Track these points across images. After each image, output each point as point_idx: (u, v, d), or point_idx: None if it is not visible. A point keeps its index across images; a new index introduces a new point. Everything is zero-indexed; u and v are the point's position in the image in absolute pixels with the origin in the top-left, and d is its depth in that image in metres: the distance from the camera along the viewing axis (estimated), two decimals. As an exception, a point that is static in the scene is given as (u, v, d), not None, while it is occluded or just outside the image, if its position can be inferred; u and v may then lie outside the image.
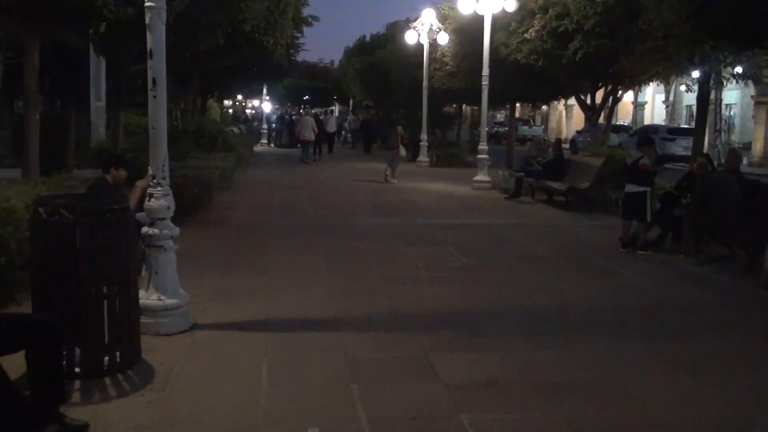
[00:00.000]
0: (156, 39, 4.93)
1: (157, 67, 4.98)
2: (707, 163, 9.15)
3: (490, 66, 19.79)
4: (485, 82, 15.62)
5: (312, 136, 23.45)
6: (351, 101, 46.23)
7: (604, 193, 12.18)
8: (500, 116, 62.26)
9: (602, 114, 17.50)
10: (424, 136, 22.30)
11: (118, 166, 6.49)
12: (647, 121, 39.52)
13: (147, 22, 4.93)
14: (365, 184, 16.37)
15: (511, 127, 23.41)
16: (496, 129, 46.48)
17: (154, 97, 4.99)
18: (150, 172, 5.08)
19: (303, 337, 5.09)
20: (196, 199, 9.16)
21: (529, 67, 16.89)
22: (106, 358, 4.09)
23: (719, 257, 8.14)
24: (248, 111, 60.89)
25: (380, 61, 30.68)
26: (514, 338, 5.14)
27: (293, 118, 32.91)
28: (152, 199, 5.04)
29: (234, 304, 5.85)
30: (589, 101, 16.93)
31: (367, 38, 37.02)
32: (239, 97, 59.86)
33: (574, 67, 15.33)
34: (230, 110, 59.34)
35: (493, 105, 30.08)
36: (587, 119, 16.99)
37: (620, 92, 16.76)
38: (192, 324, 5.17)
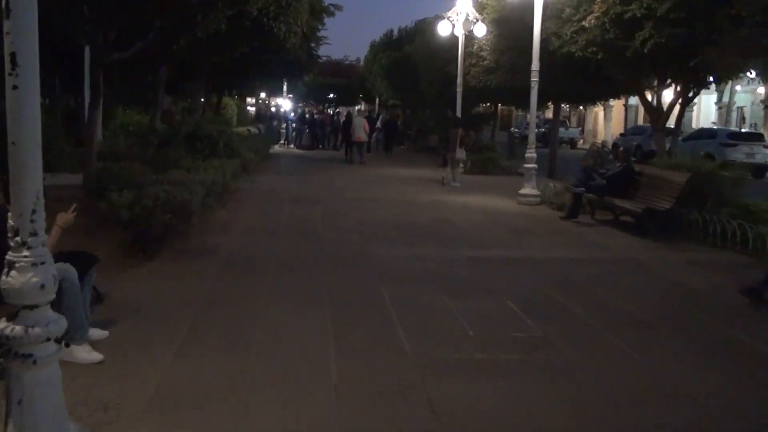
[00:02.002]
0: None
1: (20, 36, 2.73)
2: None
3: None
4: (535, 78, 13.24)
5: (365, 137, 23.74)
6: (377, 100, 44.00)
7: (687, 216, 9.80)
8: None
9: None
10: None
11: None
12: (694, 124, 36.72)
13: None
14: (390, 195, 14.09)
15: (554, 130, 20.90)
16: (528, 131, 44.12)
17: (15, 87, 2.74)
18: (10, 222, 2.84)
19: None
20: (167, 227, 6.95)
21: (583, 62, 14.56)
22: None
23: None
24: (273, 109, 58.90)
25: (408, 57, 28.43)
26: None
27: (315, 116, 30.72)
28: (12, 273, 2.81)
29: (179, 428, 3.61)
30: (655, 102, 14.46)
31: (395, 33, 34.71)
32: (262, 95, 58.09)
33: (640, 61, 12.93)
34: (251, 108, 57.55)
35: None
36: (652, 122, 14.50)
37: (693, 92, 14.23)
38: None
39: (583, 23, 13.01)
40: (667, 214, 9.66)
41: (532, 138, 13.54)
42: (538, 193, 13.10)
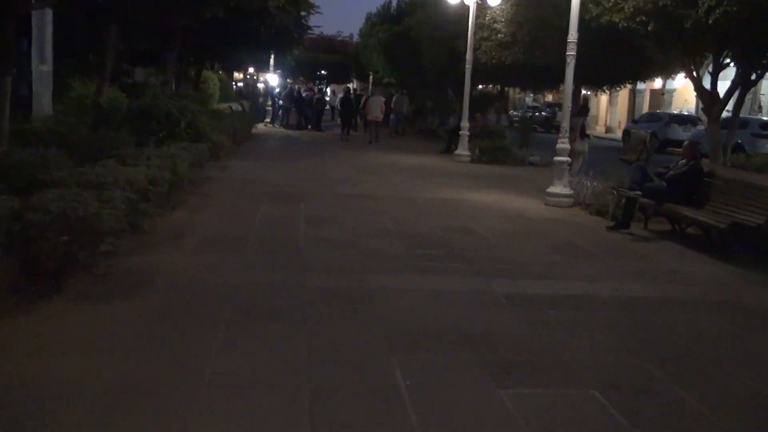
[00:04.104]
0: None
1: None
2: None
3: (558, 34, 15.10)
4: (572, 51, 10.81)
5: (380, 117, 23.23)
6: (370, 78, 41.34)
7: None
8: (529, 99, 57.26)
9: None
10: (465, 123, 17.50)
11: None
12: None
13: None
14: (391, 190, 11.70)
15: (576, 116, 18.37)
16: (530, 114, 41.63)
17: None
18: None
19: None
20: (63, 255, 4.55)
21: (619, 36, 12.23)
22: None
23: None
24: (260, 85, 55.98)
25: (409, 31, 25.81)
26: None
27: (303, 94, 28.12)
28: None
29: None
30: (708, 85, 12.06)
31: (393, 4, 32.02)
32: (251, 70, 55.11)
33: (701, 35, 10.56)
34: (237, 83, 54.82)
35: (545, 86, 25.31)
36: (705, 111, 12.11)
37: (757, 74, 11.84)
38: None
39: (634, -15, 10.59)
40: (761, 231, 7.34)
41: (565, 126, 11.11)
42: (571, 192, 10.75)
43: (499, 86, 25.12)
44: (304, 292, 5.51)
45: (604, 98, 46.32)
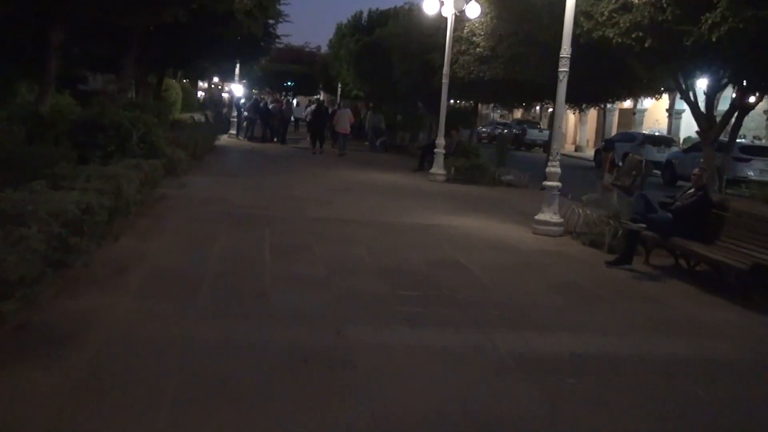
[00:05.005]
0: None
1: None
2: None
3: (541, 50, 14.47)
4: (564, 67, 9.97)
5: (348, 129, 23.45)
6: (339, 89, 40.37)
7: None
8: (495, 116, 56.76)
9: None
10: (441, 141, 16.61)
11: None
12: (683, 133, 34.23)
13: None
14: (367, 213, 10.70)
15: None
16: (499, 130, 41.09)
17: None
18: None
19: None
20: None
21: (609, 52, 11.53)
22: None
23: None
24: (225, 95, 54.54)
25: (380, 42, 24.96)
26: None
27: (269, 106, 26.99)
28: None
29: None
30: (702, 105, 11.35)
31: (365, 16, 31.14)
32: (215, 80, 53.63)
33: (701, 53, 9.84)
34: (201, 93, 53.47)
35: (524, 102, 24.62)
36: (701, 134, 11.40)
37: (757, 96, 11.17)
38: None
39: (633, -1, 9.84)
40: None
41: (556, 148, 10.25)
42: (561, 220, 9.89)
43: (472, 102, 24.32)
44: (268, 353, 4.46)
45: (572, 116, 46.14)
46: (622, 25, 10.16)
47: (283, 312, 5.38)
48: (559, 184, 9.97)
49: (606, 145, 14.31)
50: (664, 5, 9.49)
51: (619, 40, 10.31)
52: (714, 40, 9.03)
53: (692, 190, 8.06)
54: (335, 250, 7.81)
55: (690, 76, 11.22)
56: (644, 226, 7.80)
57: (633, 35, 10.04)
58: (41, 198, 4.86)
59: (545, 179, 10.18)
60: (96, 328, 4.65)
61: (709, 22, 8.96)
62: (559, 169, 9.97)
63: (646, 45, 9.98)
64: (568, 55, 9.91)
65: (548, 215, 9.87)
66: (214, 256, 7.05)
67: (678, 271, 8.03)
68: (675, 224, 7.83)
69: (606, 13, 10.42)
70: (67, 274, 5.41)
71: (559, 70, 9.99)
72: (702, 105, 11.31)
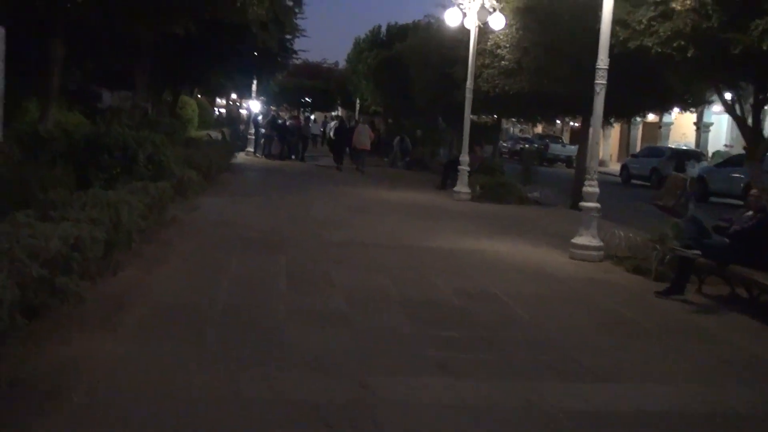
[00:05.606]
0: None
1: None
2: None
3: (571, 61, 13.79)
4: (601, 79, 9.27)
5: (368, 145, 22.90)
6: (357, 105, 39.87)
7: None
8: (515, 130, 55.94)
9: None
10: (465, 158, 15.93)
11: None
12: (711, 147, 33.28)
13: None
14: (389, 236, 10.04)
15: (581, 151, 16.86)
16: (520, 145, 40.28)
17: None
18: None
19: None
20: None
21: (644, 63, 10.85)
22: None
23: None
24: (242, 112, 54.31)
25: (399, 57, 24.41)
26: None
27: (288, 123, 26.49)
28: None
29: None
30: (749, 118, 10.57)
31: (383, 30, 30.62)
32: (233, 96, 53.35)
33: (749, 62, 9.11)
34: (219, 110, 53.31)
35: (553, 117, 23.88)
36: (747, 148, 10.63)
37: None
38: None
39: (672, 4, 9.13)
40: None
41: (593, 166, 9.52)
42: (601, 243, 9.14)
43: (495, 116, 23.62)
44: (284, 415, 3.79)
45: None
46: (662, 33, 9.43)
47: (298, 357, 4.70)
48: (598, 205, 9.22)
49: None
50: (710, 11, 8.79)
51: (659, 50, 9.58)
52: (765, 48, 8.31)
53: (750, 213, 7.30)
54: (355, 279, 7.14)
55: (736, 88, 10.47)
56: (699, 253, 7.04)
57: (674, 44, 9.33)
58: (24, 232, 4.24)
59: (572, 195, 9.46)
60: (81, 383, 4.00)
61: (760, 29, 8.25)
62: (597, 189, 9.23)
63: (689, 54, 9.26)
64: (606, 66, 9.22)
65: (587, 239, 9.12)
66: (223, 289, 6.40)
67: (736, 301, 7.25)
68: (733, 250, 7.07)
69: (644, 21, 9.69)
70: (60, 314, 4.80)
71: (596, 82, 9.29)
72: (748, 118, 10.56)
